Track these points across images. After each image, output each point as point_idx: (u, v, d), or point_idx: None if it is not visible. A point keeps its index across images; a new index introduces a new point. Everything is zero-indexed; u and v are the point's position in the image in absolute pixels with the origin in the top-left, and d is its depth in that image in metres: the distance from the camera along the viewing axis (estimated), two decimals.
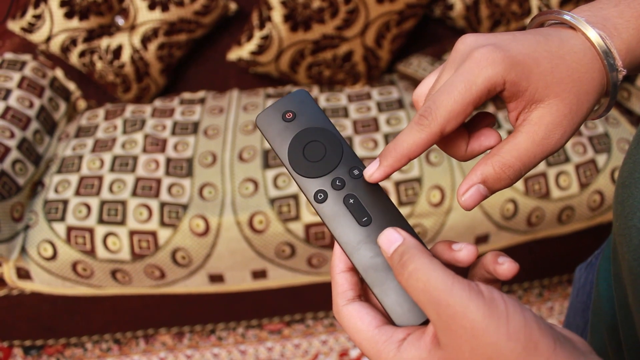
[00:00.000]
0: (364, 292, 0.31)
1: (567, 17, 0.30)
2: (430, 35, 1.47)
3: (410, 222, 1.10)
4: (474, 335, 0.22)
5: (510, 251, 1.20)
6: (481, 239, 1.15)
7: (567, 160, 1.13)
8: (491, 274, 0.28)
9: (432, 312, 0.24)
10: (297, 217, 1.08)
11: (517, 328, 0.22)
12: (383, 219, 0.30)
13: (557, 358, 0.22)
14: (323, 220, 0.31)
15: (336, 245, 0.31)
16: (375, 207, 0.30)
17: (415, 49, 1.43)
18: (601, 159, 1.14)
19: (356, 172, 0.31)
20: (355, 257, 0.30)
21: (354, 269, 0.30)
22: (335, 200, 0.31)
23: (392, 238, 0.27)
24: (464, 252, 0.28)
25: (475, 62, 0.28)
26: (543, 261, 1.30)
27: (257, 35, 1.30)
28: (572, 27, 0.30)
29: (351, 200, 0.31)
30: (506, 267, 0.27)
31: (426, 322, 0.29)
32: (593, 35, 0.29)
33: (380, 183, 0.34)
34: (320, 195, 0.31)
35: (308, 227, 1.08)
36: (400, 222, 0.30)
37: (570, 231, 1.20)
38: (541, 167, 1.12)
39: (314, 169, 0.32)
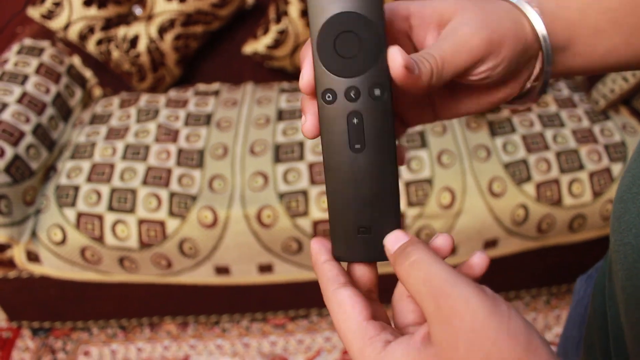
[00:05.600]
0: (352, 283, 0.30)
1: None
2: None
3: (419, 223, 1.09)
4: (473, 329, 0.22)
5: (519, 257, 1.19)
6: (490, 244, 1.14)
7: (581, 167, 1.11)
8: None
9: (431, 303, 0.23)
10: (305, 213, 1.08)
11: (519, 330, 0.22)
12: (375, 152, 0.28)
13: None
14: (319, 119, 0.29)
15: (314, 241, 0.30)
16: (375, 139, 0.28)
17: None
18: (616, 168, 1.12)
19: (377, 92, 0.27)
20: (329, 175, 0.29)
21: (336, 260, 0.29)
22: (339, 111, 0.28)
23: (400, 236, 0.27)
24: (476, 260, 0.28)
25: None
26: (552, 268, 1.28)
27: (274, 29, 1.30)
28: None
29: (355, 120, 0.28)
30: (477, 256, 0.27)
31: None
32: None
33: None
34: (329, 96, 0.28)
35: (316, 223, 1.08)
36: (392, 161, 0.28)
37: (581, 240, 1.18)
38: (554, 173, 1.11)
39: (338, 64, 0.27)
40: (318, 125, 0.28)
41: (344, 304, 0.26)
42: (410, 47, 0.31)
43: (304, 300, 1.29)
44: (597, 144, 1.15)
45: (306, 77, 0.27)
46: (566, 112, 1.22)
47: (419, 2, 0.29)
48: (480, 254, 0.27)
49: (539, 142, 1.15)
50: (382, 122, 0.28)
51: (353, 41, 0.27)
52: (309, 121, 0.28)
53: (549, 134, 1.16)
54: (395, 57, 0.25)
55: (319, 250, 0.29)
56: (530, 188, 1.10)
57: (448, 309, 0.22)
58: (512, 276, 1.27)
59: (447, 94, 0.32)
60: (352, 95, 0.27)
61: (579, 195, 1.11)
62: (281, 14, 1.29)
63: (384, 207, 0.29)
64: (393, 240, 0.27)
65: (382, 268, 0.31)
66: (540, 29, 0.29)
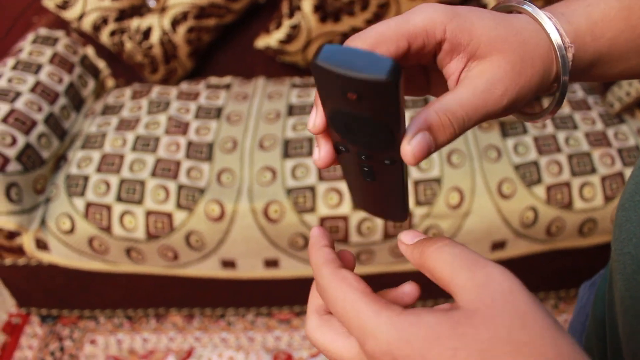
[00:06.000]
0: None
1: (514, 3, 0.30)
2: None
3: (427, 222, 1.08)
4: (511, 291, 0.23)
5: (527, 260, 1.17)
6: (498, 245, 1.13)
7: (593, 171, 1.10)
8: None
9: (464, 273, 0.24)
10: (312, 209, 1.07)
11: (546, 309, 0.23)
12: (386, 184, 0.29)
13: (575, 346, 0.22)
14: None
15: (316, 228, 0.31)
16: (385, 179, 0.28)
17: None
18: (629, 173, 1.10)
19: (388, 162, 0.26)
20: (346, 177, 0.31)
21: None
22: (352, 158, 0.27)
23: (417, 234, 0.29)
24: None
25: (416, 7, 0.28)
26: (561, 272, 1.27)
27: (286, 24, 1.30)
28: (519, 11, 0.30)
29: (366, 168, 0.28)
30: (407, 287, 0.28)
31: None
32: (537, 12, 0.29)
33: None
34: (342, 148, 0.27)
35: (323, 219, 1.08)
36: (401, 184, 0.29)
37: (591, 244, 1.16)
38: (566, 176, 1.09)
39: (349, 136, 0.25)
40: (329, 160, 0.28)
41: (348, 278, 0.26)
42: (432, 64, 0.30)
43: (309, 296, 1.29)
44: (611, 147, 1.13)
45: (318, 124, 0.26)
46: (580, 114, 1.20)
47: (456, 22, 0.27)
48: (411, 284, 0.28)
49: (551, 144, 1.13)
50: (392, 175, 0.28)
51: (367, 130, 0.24)
52: (322, 155, 0.27)
53: (561, 136, 1.15)
54: (409, 158, 0.25)
55: (321, 235, 0.30)
56: (540, 190, 1.09)
57: (484, 275, 0.23)
58: (519, 278, 1.26)
59: (445, 80, 0.32)
60: (362, 157, 0.27)
61: (590, 199, 1.09)
62: (294, 9, 1.29)
63: (393, 205, 0.31)
64: (411, 235, 0.29)
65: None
66: (567, 66, 0.29)
